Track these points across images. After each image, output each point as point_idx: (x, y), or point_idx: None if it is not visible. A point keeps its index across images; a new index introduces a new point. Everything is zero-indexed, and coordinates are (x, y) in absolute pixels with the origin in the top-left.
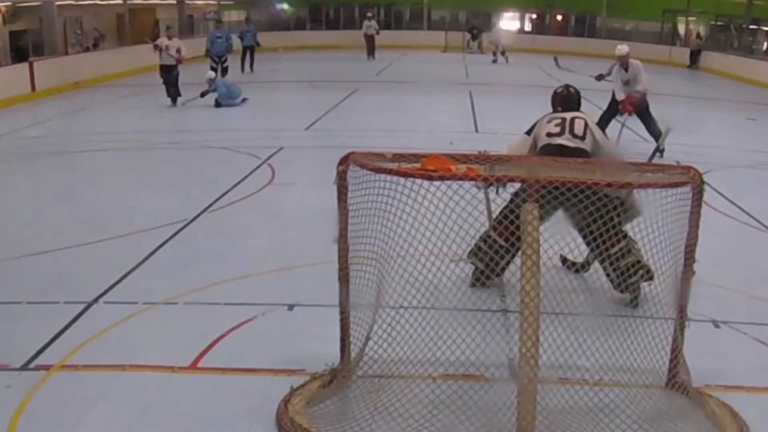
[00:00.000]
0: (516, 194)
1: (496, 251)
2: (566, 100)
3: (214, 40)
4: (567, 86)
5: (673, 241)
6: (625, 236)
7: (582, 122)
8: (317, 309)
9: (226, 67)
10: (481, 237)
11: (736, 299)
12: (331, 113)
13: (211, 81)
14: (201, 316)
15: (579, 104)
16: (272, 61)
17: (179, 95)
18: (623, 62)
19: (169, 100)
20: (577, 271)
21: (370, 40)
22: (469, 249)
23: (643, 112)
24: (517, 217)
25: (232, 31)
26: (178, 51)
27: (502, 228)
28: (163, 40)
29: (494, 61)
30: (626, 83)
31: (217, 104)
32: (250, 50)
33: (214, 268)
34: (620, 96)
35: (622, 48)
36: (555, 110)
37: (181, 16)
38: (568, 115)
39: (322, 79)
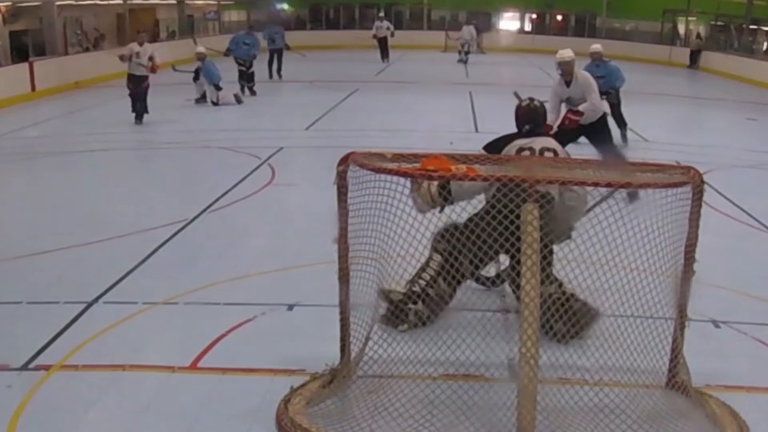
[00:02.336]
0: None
1: (441, 297)
2: (534, 114)
3: (239, 44)
4: (531, 99)
5: (673, 241)
6: (554, 281)
7: (551, 155)
8: (317, 309)
9: (252, 73)
10: (424, 279)
11: (736, 299)
12: (331, 113)
13: (202, 55)
14: (201, 316)
15: (545, 119)
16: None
17: (146, 112)
18: (564, 71)
19: (133, 116)
20: (490, 285)
21: (382, 42)
22: (407, 289)
23: (599, 135)
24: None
25: (260, 32)
26: (151, 59)
27: (446, 273)
28: (133, 47)
29: (460, 61)
30: (567, 102)
31: (215, 103)
32: (278, 54)
33: (214, 268)
34: (551, 117)
35: (563, 53)
36: (521, 130)
37: (181, 16)
38: (537, 145)
39: (322, 79)
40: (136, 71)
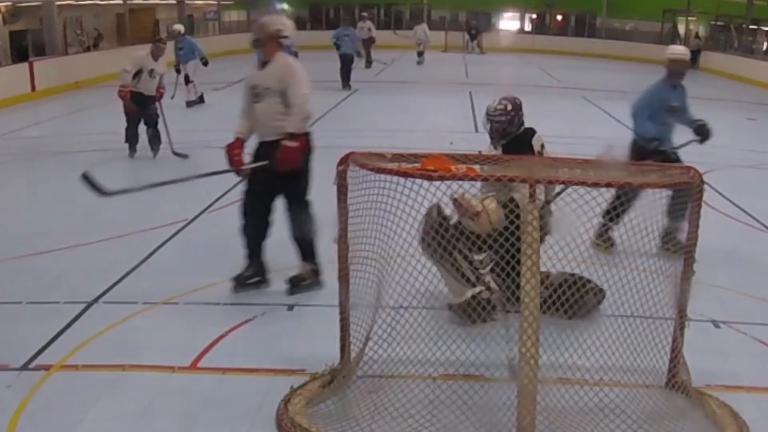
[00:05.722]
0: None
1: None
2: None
3: None
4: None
5: None
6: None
7: None
8: (317, 309)
9: None
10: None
11: (736, 299)
12: (331, 113)
13: (179, 34)
14: (201, 316)
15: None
16: None
17: (160, 141)
18: (256, 35)
19: (127, 147)
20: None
21: (365, 45)
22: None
23: (292, 177)
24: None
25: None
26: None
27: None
28: (145, 63)
29: (420, 63)
30: (252, 94)
31: (188, 80)
32: (347, 61)
33: (214, 268)
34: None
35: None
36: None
37: (181, 16)
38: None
39: (321, 79)
40: (145, 90)
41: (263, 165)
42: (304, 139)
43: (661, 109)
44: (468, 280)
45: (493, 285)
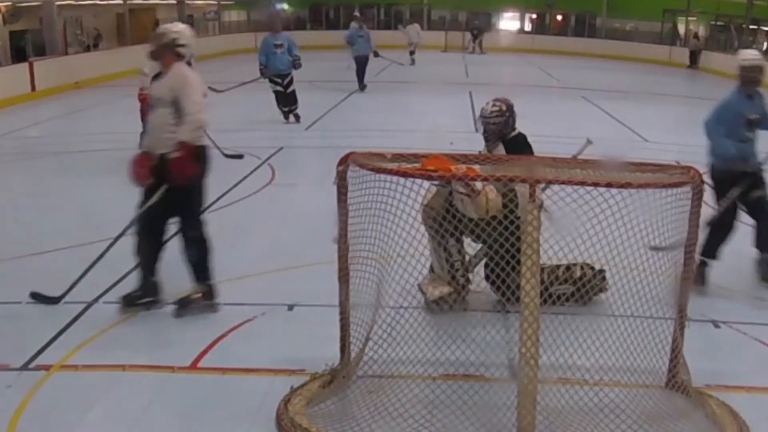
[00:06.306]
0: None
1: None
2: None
3: (270, 52)
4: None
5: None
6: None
7: None
8: (317, 309)
9: (293, 92)
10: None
11: (736, 299)
12: (331, 113)
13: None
14: (201, 316)
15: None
16: None
17: None
18: (153, 46)
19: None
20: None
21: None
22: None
23: (185, 196)
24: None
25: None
26: None
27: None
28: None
29: (411, 63)
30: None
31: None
32: (360, 62)
33: (215, 268)
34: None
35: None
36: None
37: (181, 16)
38: None
39: (322, 79)
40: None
41: (165, 189)
42: (196, 149)
43: (737, 124)
44: (446, 262)
45: (470, 284)
